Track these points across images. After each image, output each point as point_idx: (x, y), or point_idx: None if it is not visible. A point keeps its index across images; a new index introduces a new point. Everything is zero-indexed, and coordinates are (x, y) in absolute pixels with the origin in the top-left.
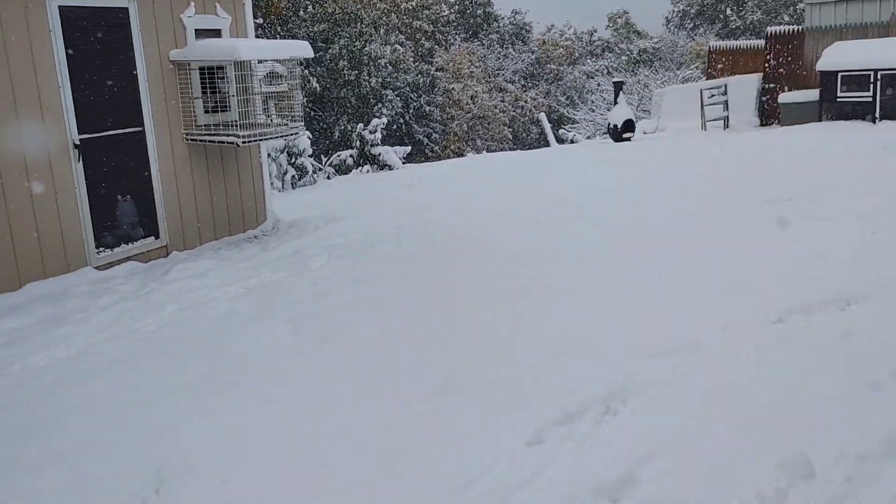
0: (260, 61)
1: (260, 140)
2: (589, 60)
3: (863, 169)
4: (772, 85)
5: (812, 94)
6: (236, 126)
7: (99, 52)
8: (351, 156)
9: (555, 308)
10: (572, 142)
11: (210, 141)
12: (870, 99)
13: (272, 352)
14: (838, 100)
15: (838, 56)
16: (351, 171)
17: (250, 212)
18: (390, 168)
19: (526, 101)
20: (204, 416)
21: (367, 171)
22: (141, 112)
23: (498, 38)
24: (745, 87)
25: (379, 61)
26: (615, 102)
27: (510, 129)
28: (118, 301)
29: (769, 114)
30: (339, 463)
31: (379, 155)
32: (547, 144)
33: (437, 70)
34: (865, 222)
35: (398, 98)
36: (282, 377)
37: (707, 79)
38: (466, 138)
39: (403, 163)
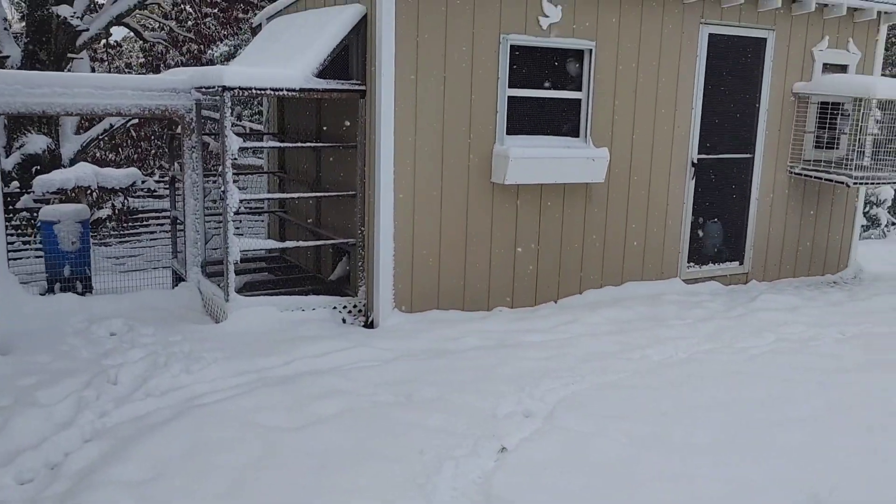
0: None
1: (871, 183)
2: None
3: None
4: None
5: None
6: (843, 165)
7: (729, 79)
8: None
9: None
10: None
11: (816, 177)
12: None
13: None
14: None
15: None
16: None
17: (833, 255)
18: None
19: None
20: (843, 448)
21: None
22: (754, 140)
23: None
24: None
25: None
26: None
27: None
28: (710, 317)
29: None
30: None
31: None
32: None
33: None
34: None
35: None
36: None
37: None
38: None
39: None
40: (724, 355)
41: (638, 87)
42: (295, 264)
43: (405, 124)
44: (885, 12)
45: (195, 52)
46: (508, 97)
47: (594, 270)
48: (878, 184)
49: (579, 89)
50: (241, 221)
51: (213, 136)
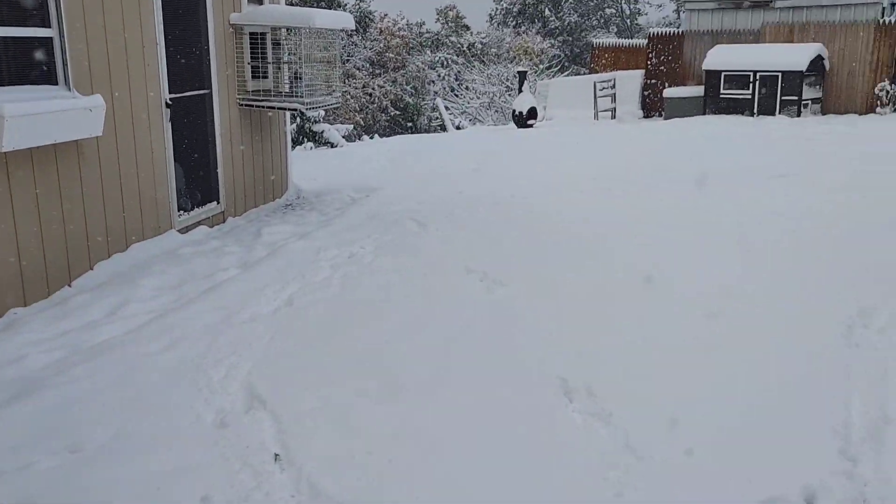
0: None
1: (318, 107)
2: (428, 51)
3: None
4: (653, 81)
5: (696, 90)
6: (271, 94)
7: (182, 13)
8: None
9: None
10: (458, 128)
11: (269, 107)
12: (749, 96)
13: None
14: (721, 96)
15: (721, 57)
16: (294, 147)
17: (277, 181)
18: (332, 146)
19: (374, 89)
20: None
21: (311, 149)
22: (209, 74)
23: None
24: (629, 82)
25: None
26: (519, 91)
27: (361, 116)
28: (250, 262)
29: (650, 107)
30: None
31: (322, 132)
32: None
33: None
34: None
35: None
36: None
37: (590, 73)
38: None
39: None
40: (319, 294)
41: (106, 22)
42: None
43: None
44: None
45: None
46: None
47: (100, 240)
48: (322, 107)
49: (46, 25)
50: None
51: None
